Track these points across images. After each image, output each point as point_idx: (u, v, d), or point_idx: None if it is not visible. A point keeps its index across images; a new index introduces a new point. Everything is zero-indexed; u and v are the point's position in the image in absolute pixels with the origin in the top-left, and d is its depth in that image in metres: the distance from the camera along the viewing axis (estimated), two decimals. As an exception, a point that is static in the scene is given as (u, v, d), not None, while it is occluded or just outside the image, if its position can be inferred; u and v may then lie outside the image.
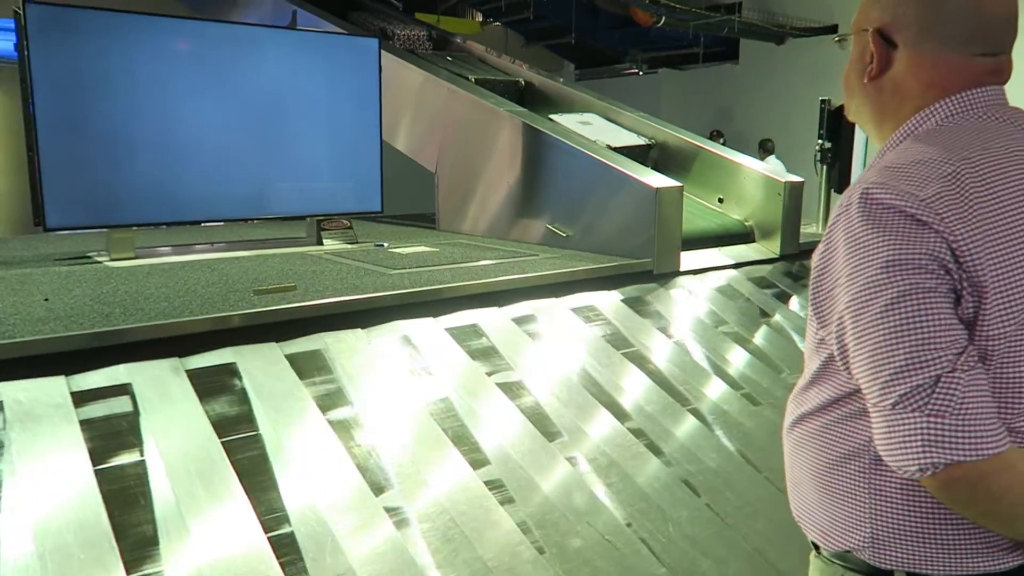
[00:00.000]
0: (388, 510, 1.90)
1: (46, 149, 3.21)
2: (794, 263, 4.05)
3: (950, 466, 0.83)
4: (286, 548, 1.73)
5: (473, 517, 1.98)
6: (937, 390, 0.83)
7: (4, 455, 1.72)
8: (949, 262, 0.86)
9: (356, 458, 2.02)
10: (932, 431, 0.83)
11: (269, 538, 1.73)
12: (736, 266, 3.81)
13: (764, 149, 8.14)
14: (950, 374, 0.84)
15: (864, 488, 0.97)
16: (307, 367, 2.27)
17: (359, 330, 2.48)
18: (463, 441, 2.21)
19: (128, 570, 1.58)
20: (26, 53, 3.13)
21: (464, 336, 2.65)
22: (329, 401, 2.18)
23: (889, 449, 0.87)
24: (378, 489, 1.96)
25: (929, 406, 0.83)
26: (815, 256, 1.00)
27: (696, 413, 2.69)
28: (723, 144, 5.63)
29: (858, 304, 0.89)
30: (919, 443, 0.83)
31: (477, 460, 2.16)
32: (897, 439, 0.86)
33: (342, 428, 2.11)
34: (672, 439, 2.53)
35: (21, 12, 3.10)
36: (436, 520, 1.93)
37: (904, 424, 0.85)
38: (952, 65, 0.99)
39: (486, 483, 2.09)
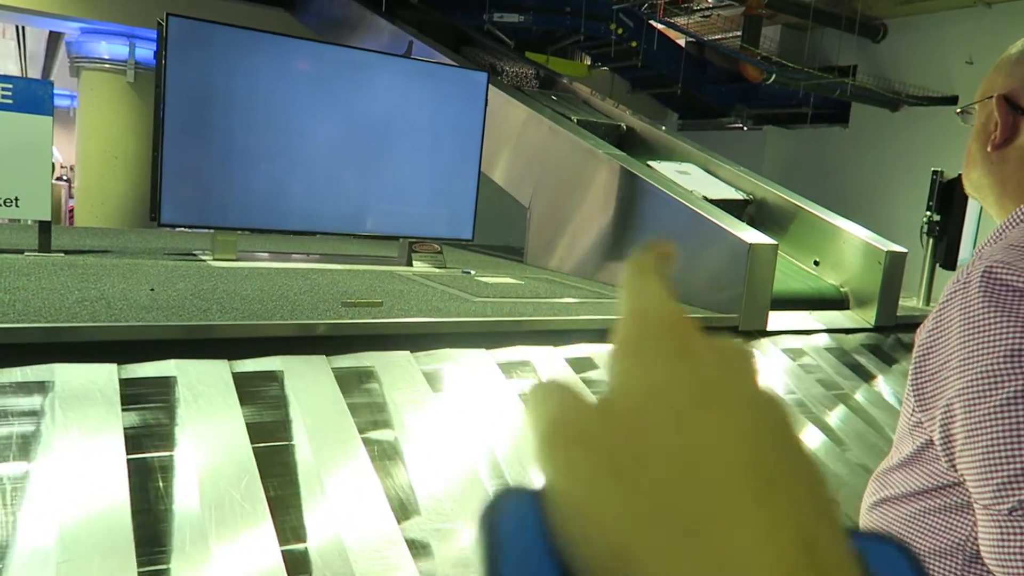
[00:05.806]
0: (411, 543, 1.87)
1: (170, 151, 3.43)
2: (888, 336, 3.88)
3: None
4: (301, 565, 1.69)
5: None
6: None
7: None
8: None
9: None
10: None
11: (283, 552, 1.69)
12: (826, 332, 3.68)
13: None
14: None
15: None
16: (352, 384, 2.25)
17: (407, 352, 2.45)
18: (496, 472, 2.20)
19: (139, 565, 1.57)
20: (163, 62, 3.37)
21: (513, 371, 2.62)
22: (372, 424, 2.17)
23: (1000, 557, 0.79)
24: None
25: None
26: (921, 332, 0.93)
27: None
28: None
29: (974, 393, 0.81)
30: None
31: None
32: (1013, 548, 0.78)
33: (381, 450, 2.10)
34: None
35: (164, 23, 3.35)
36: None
37: (1022, 533, 0.77)
38: None
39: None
